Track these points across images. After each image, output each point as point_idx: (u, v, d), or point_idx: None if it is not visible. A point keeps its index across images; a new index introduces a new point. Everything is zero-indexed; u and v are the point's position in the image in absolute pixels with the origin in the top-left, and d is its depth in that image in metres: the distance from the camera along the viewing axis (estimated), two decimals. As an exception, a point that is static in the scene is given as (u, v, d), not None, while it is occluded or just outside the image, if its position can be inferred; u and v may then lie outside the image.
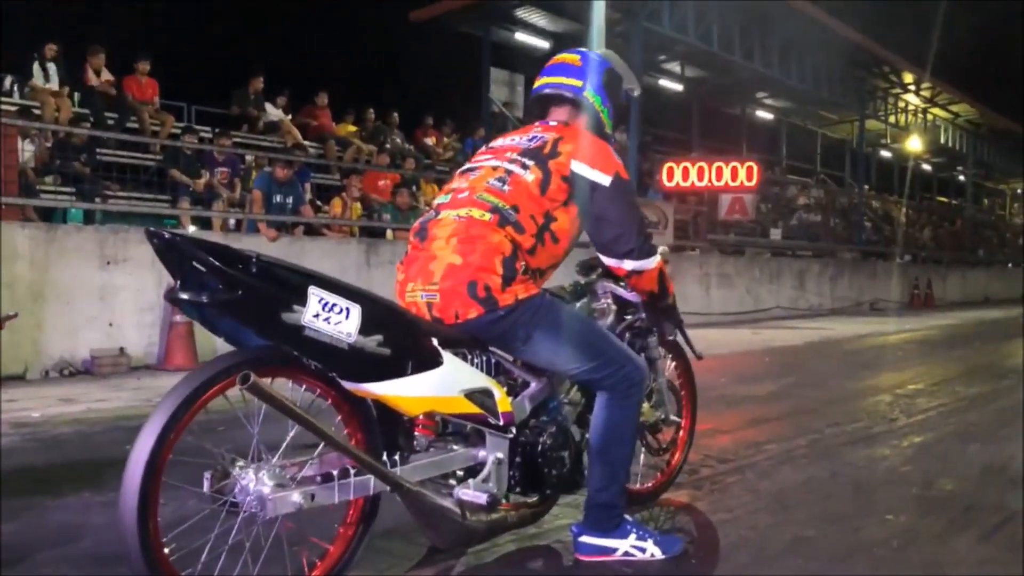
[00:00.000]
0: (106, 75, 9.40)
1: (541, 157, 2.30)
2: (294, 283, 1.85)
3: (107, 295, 6.29)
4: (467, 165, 2.47)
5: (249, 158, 9.34)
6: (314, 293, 1.85)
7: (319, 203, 9.47)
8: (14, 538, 2.58)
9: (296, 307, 1.83)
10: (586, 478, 2.42)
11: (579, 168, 2.29)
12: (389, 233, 9.11)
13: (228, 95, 11.02)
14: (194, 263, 1.75)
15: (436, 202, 2.38)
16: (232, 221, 8.17)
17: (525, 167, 2.29)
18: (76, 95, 9.26)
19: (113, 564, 2.39)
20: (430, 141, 12.86)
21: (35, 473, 3.44)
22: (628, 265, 2.38)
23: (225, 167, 8.69)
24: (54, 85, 8.84)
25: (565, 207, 2.29)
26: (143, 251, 6.49)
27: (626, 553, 2.35)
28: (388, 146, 11.56)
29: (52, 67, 8.88)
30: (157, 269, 6.53)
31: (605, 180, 2.30)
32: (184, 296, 1.79)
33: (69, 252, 6.14)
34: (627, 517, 2.40)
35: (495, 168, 2.33)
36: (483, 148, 2.54)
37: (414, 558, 2.41)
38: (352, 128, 11.91)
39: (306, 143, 10.73)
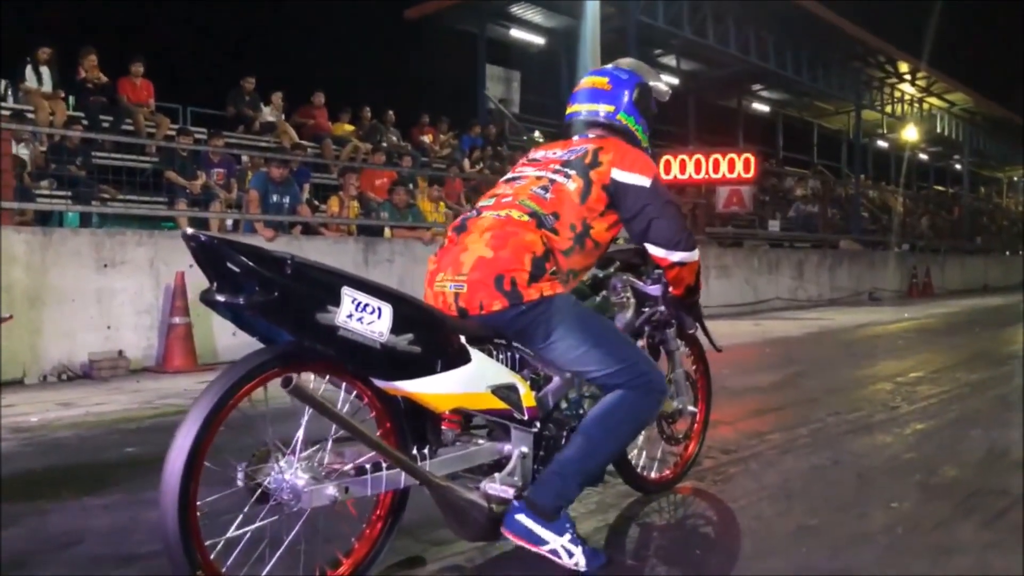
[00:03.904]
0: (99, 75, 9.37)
1: (583, 167, 2.40)
2: (328, 284, 1.88)
3: (105, 298, 6.27)
4: (510, 174, 2.57)
5: (245, 158, 9.32)
6: (347, 293, 1.88)
7: (316, 202, 9.45)
8: (15, 543, 2.56)
9: (330, 307, 1.85)
10: (560, 451, 2.29)
11: (619, 175, 2.38)
12: (387, 231, 9.09)
13: (224, 96, 10.99)
14: (230, 265, 1.77)
15: (479, 204, 2.46)
16: (229, 222, 8.16)
17: (567, 176, 2.39)
18: (71, 98, 9.23)
19: (115, 567, 2.39)
20: (427, 139, 12.84)
21: (34, 478, 3.42)
22: (676, 256, 2.46)
23: (221, 168, 8.67)
24: (48, 88, 8.81)
25: (603, 216, 2.38)
26: (140, 253, 6.48)
27: (554, 551, 2.19)
28: (385, 144, 11.53)
29: (45, 71, 8.85)
30: (155, 271, 6.53)
31: (646, 182, 2.39)
32: (220, 298, 1.81)
33: (66, 256, 6.12)
34: (569, 515, 2.30)
35: (539, 178, 2.43)
36: (523, 160, 2.63)
37: (417, 553, 2.41)
38: (348, 127, 11.88)
39: (303, 142, 10.71)
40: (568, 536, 2.22)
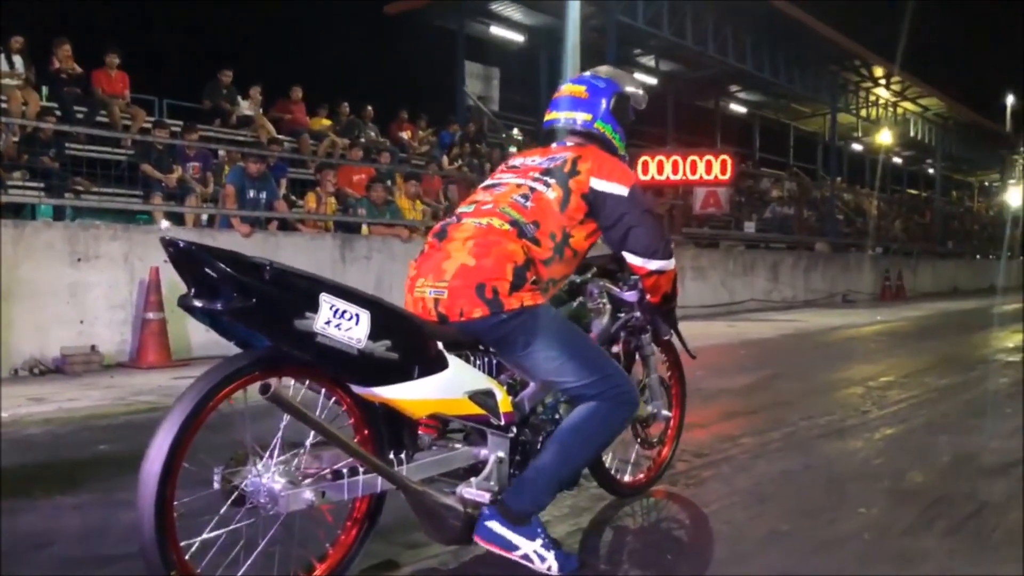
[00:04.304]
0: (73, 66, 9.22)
1: (562, 175, 2.42)
2: (306, 290, 1.88)
3: (78, 292, 6.20)
4: (489, 181, 2.57)
5: (221, 153, 9.23)
6: (326, 300, 1.88)
7: (293, 198, 9.39)
8: (-15, 543, 2.53)
9: (308, 314, 1.86)
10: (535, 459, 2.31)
11: (598, 184, 2.40)
12: (364, 228, 9.05)
13: (201, 89, 10.88)
14: (208, 271, 1.77)
15: (459, 210, 2.46)
16: (205, 217, 8.08)
17: (547, 185, 2.41)
18: (44, 89, 9.08)
19: (88, 569, 2.37)
20: (405, 135, 12.80)
21: (4, 476, 3.37)
22: (653, 265, 2.48)
23: (197, 161, 8.58)
24: (20, 74, 8.65)
25: (582, 224, 2.40)
26: (114, 247, 6.41)
27: (526, 556, 2.21)
28: (363, 140, 11.48)
29: (18, 60, 8.71)
30: (129, 266, 6.46)
31: (624, 191, 2.42)
32: (198, 304, 1.81)
33: (38, 249, 6.04)
34: (540, 519, 2.32)
35: (519, 186, 2.44)
36: (502, 167, 2.65)
37: (391, 556, 2.42)
38: (326, 122, 11.81)
39: (280, 137, 10.63)
40: (540, 541, 2.24)
